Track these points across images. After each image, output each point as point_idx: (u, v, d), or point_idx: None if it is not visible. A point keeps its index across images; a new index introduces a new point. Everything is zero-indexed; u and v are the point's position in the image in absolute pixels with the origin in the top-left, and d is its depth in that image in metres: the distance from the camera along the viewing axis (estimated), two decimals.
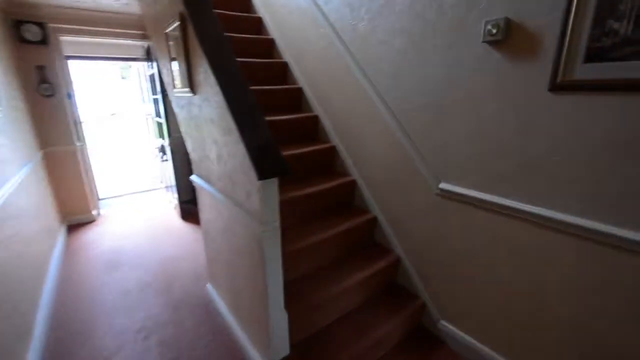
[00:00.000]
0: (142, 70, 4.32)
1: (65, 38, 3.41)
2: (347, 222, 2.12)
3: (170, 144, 3.68)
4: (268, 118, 2.34)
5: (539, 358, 1.53)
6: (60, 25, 3.25)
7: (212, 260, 2.23)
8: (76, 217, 3.71)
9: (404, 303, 2.01)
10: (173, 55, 1.87)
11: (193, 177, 2.10)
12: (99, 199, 4.33)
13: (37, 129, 3.21)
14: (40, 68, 3.16)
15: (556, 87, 1.23)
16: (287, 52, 2.82)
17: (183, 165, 3.73)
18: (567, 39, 1.16)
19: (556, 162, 1.31)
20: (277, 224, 1.38)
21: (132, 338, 2.05)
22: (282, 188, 2.10)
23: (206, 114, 1.63)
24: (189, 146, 2.08)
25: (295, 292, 1.78)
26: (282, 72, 2.85)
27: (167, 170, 4.09)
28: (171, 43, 1.84)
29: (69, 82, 3.55)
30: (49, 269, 2.58)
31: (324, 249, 2.01)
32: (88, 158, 3.87)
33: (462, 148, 1.63)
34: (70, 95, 3.51)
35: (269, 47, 2.96)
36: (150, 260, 2.97)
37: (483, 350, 1.76)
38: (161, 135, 3.95)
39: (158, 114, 3.90)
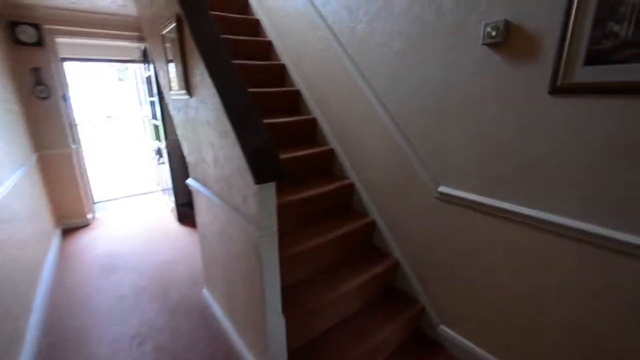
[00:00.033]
0: (139, 72, 4.29)
1: (61, 40, 3.38)
2: (345, 225, 2.10)
3: (167, 147, 3.66)
4: (266, 121, 2.32)
5: None
6: (56, 27, 3.22)
7: (208, 264, 2.20)
8: (71, 221, 3.66)
9: (403, 307, 1.99)
10: (169, 57, 1.85)
11: (189, 181, 2.07)
12: (95, 202, 4.29)
13: (32, 132, 3.17)
14: (36, 70, 3.13)
15: (556, 89, 1.22)
16: (285, 54, 2.81)
17: (180, 168, 3.70)
18: (567, 41, 1.16)
19: (556, 165, 1.30)
20: (275, 228, 1.36)
21: (127, 344, 2.02)
22: (280, 191, 2.06)
23: (202, 116, 1.60)
24: (185, 149, 2.06)
25: (293, 297, 1.76)
26: (280, 74, 2.84)
27: (163, 173, 4.06)
28: (167, 45, 1.82)
29: (64, 84, 3.52)
30: (43, 273, 2.54)
31: (322, 254, 1.99)
32: (83, 161, 3.83)
33: (462, 151, 1.62)
34: (65, 98, 3.47)
35: (266, 49, 2.95)
36: (146, 264, 2.93)
37: (482, 354, 1.75)
38: (158, 138, 3.93)
39: (154, 117, 3.87)
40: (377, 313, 1.95)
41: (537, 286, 1.45)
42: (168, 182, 3.86)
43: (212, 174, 1.70)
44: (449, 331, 1.91)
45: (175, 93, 1.91)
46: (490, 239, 1.59)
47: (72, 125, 3.59)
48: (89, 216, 3.83)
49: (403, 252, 2.10)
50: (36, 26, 3.06)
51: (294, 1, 2.53)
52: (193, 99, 1.68)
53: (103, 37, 3.54)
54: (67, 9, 3.17)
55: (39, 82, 3.15)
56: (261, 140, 1.30)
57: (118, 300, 2.44)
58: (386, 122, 1.97)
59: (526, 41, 1.28)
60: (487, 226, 1.59)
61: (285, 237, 1.93)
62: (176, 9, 1.55)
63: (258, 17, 3.07)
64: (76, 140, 3.64)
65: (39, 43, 3.11)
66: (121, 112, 14.49)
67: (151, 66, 3.41)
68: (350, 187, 2.35)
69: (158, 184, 4.84)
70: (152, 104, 3.86)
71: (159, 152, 3.96)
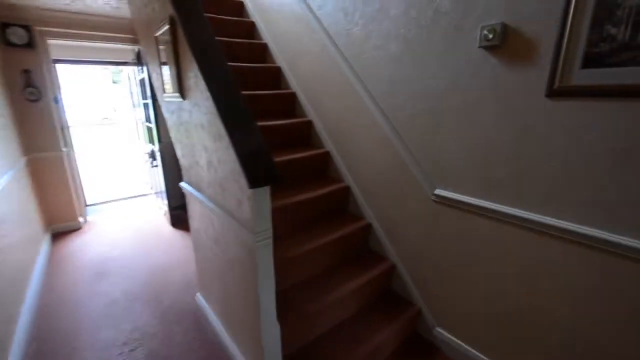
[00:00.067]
0: (133, 74, 4.24)
1: (52, 41, 3.33)
2: (341, 229, 2.08)
3: (161, 150, 3.62)
4: (261, 123, 2.31)
5: None
6: (47, 29, 3.17)
7: (202, 269, 2.16)
8: (62, 225, 3.59)
9: (399, 310, 1.98)
10: (163, 60, 1.82)
11: (183, 184, 2.04)
12: (87, 206, 4.23)
13: (22, 135, 3.11)
14: (26, 72, 3.07)
15: (553, 92, 1.22)
16: (281, 57, 2.79)
17: (173, 171, 3.66)
18: (565, 44, 1.15)
19: (553, 168, 1.29)
20: (270, 233, 1.33)
21: (119, 350, 1.97)
22: (275, 195, 2.05)
23: (196, 119, 1.58)
24: (179, 152, 2.03)
25: (288, 302, 1.73)
26: (276, 77, 2.82)
27: (157, 176, 4.01)
28: (161, 47, 1.80)
29: (56, 87, 3.46)
30: (31, 278, 2.48)
31: (318, 257, 1.97)
32: (75, 164, 3.77)
33: (458, 154, 1.61)
34: (57, 100, 3.42)
35: (262, 52, 2.93)
36: (138, 269, 2.88)
37: (478, 357, 1.73)
38: (151, 141, 3.88)
39: (148, 119, 3.83)
40: (373, 316, 1.93)
41: (535, 289, 1.44)
42: (161, 185, 3.81)
43: (205, 178, 1.67)
44: (446, 334, 1.89)
45: (168, 95, 1.88)
46: (487, 241, 1.57)
47: (64, 128, 3.54)
48: (81, 220, 3.76)
49: (399, 255, 2.08)
50: (27, 28, 3.01)
51: (290, 4, 2.52)
52: (186, 101, 1.65)
53: (96, 39, 3.50)
54: (60, 11, 3.12)
55: (29, 84, 3.10)
56: (255, 143, 1.28)
57: (109, 305, 2.38)
58: (382, 124, 1.96)
59: (523, 44, 1.28)
60: (484, 229, 1.58)
61: (281, 240, 1.90)
62: (170, 10, 1.53)
63: (253, 19, 3.06)
64: (68, 143, 3.59)
65: (30, 45, 3.05)
66: (115, 114, 14.39)
67: (145, 68, 3.37)
68: (346, 190, 2.33)
69: (151, 187, 4.77)
70: (146, 106, 3.82)
71: (152, 154, 3.92)
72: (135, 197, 4.91)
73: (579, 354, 1.35)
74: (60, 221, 3.58)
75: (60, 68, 3.81)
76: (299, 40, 2.52)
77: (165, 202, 3.80)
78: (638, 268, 1.14)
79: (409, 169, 1.86)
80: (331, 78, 2.28)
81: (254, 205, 1.24)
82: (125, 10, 3.17)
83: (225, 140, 1.29)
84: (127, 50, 3.92)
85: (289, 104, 2.70)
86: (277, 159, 2.16)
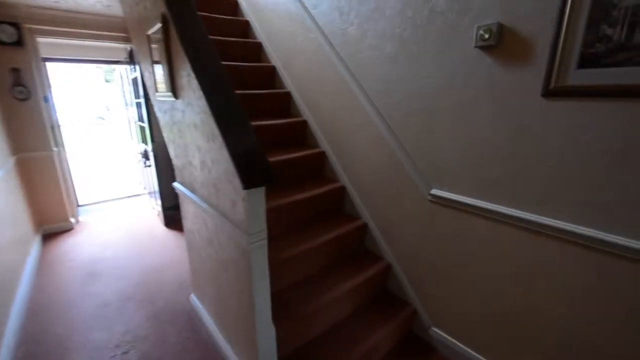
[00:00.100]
0: (125, 73, 4.19)
1: (42, 39, 3.28)
2: (336, 229, 2.07)
3: (154, 149, 3.57)
4: (256, 123, 2.28)
5: None
6: (37, 27, 3.11)
7: (196, 270, 2.13)
8: (53, 225, 3.53)
9: (395, 310, 1.97)
10: (155, 59, 1.79)
11: (176, 184, 2.01)
12: (78, 206, 4.17)
13: (10, 134, 3.05)
14: (15, 70, 3.01)
15: (549, 92, 1.21)
16: (275, 56, 2.77)
17: (166, 171, 3.61)
18: (561, 44, 1.15)
19: (549, 168, 1.29)
20: (264, 234, 1.32)
21: (111, 353, 1.94)
22: (270, 195, 2.03)
23: (189, 119, 1.55)
24: (172, 152, 2.00)
25: (283, 303, 1.72)
26: (270, 76, 2.80)
27: (150, 176, 3.96)
28: (153, 46, 1.77)
29: (46, 85, 3.40)
30: (21, 280, 2.44)
31: (313, 258, 1.95)
32: (67, 164, 3.71)
33: (454, 154, 1.61)
34: (47, 99, 3.36)
35: (256, 51, 2.91)
36: (131, 270, 2.84)
37: (474, 357, 1.73)
38: (144, 140, 3.83)
39: (141, 119, 3.78)
40: (369, 316, 1.92)
41: (531, 289, 1.44)
42: (155, 185, 3.76)
43: (199, 178, 1.65)
44: (441, 333, 1.89)
45: (161, 95, 1.85)
46: (483, 241, 1.57)
47: (55, 128, 3.47)
48: (72, 220, 3.71)
49: (395, 255, 2.07)
50: (16, 25, 2.95)
51: (285, 2, 2.50)
52: (179, 101, 1.63)
53: (87, 38, 3.44)
54: (50, 8, 3.06)
55: (18, 82, 3.04)
56: (249, 143, 1.26)
57: (101, 307, 2.35)
58: (378, 124, 1.95)
59: (519, 44, 1.27)
60: (480, 229, 1.57)
61: (275, 241, 1.89)
62: (162, 9, 1.50)
63: (248, 18, 3.03)
64: (59, 143, 3.53)
65: (19, 43, 2.99)
66: (108, 113, 14.24)
67: (137, 67, 3.33)
68: (342, 190, 2.32)
69: (145, 187, 4.72)
70: (139, 105, 3.77)
71: (145, 154, 3.87)
72: (128, 197, 4.86)
73: (576, 353, 1.35)
74: (52, 222, 3.52)
75: (51, 67, 3.75)
76: (294, 40, 2.50)
77: (159, 202, 3.76)
78: (634, 268, 1.14)
79: (405, 169, 1.85)
80: (326, 77, 2.27)
81: (248, 207, 1.22)
82: (117, 9, 3.12)
83: (219, 140, 1.26)
84: (120, 48, 3.87)
85: (284, 103, 2.68)
86: (272, 159, 2.14)
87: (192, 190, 1.78)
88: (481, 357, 1.71)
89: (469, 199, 1.58)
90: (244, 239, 1.28)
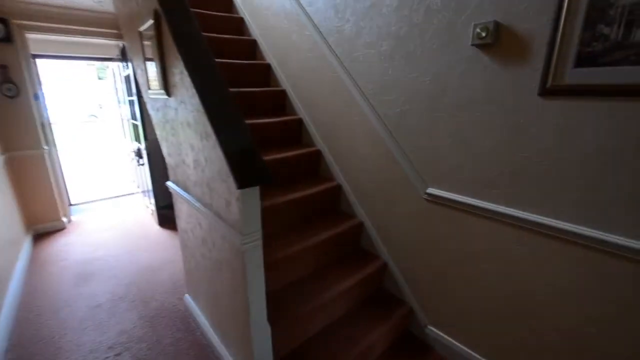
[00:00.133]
0: (118, 70, 4.13)
1: (32, 36, 3.21)
2: (332, 228, 2.06)
3: (147, 148, 3.53)
4: (250, 121, 2.26)
5: None
6: (26, 22, 3.04)
7: (190, 270, 2.11)
8: (44, 225, 3.48)
9: (391, 309, 1.97)
10: (148, 56, 1.76)
11: (169, 183, 1.98)
12: (70, 205, 4.11)
13: None
14: (3, 67, 2.94)
15: (546, 91, 1.21)
16: (270, 54, 2.74)
17: (160, 169, 3.56)
18: (557, 43, 1.14)
19: (546, 167, 1.28)
20: (259, 234, 1.30)
21: (103, 356, 1.91)
22: (265, 194, 2.01)
23: (182, 117, 1.53)
24: (165, 150, 1.97)
25: (279, 304, 1.70)
26: (265, 74, 2.77)
27: (143, 175, 3.92)
28: (145, 42, 1.73)
29: (36, 83, 3.34)
30: (10, 282, 2.39)
31: (309, 257, 1.94)
32: (58, 162, 3.65)
33: (451, 152, 1.60)
34: (37, 97, 3.30)
35: (251, 48, 2.88)
36: (124, 271, 2.80)
37: (471, 356, 1.73)
38: (137, 138, 3.79)
39: (134, 116, 3.73)
40: (365, 315, 1.92)
41: (527, 288, 1.44)
42: (148, 184, 3.72)
43: (192, 177, 1.63)
44: (438, 332, 1.89)
45: (153, 92, 1.82)
46: (479, 240, 1.57)
47: (45, 126, 3.41)
48: (64, 220, 3.65)
49: (391, 254, 2.07)
50: (4, 21, 2.88)
51: None
52: (172, 99, 1.60)
53: (79, 34, 3.37)
54: (39, 4, 3.00)
55: (6, 79, 2.97)
56: (244, 142, 1.24)
57: (94, 309, 2.31)
58: (374, 123, 1.93)
59: (516, 42, 1.27)
60: (476, 228, 1.57)
61: (271, 240, 1.87)
62: (154, 4, 1.47)
63: (242, 15, 2.99)
64: (49, 141, 3.47)
65: (7, 39, 2.93)
66: (101, 111, 14.08)
67: (130, 64, 3.28)
68: (338, 189, 2.30)
69: (138, 186, 4.67)
70: (131, 103, 3.72)
71: (138, 153, 3.82)
72: (121, 196, 4.80)
73: (572, 353, 1.35)
74: (43, 221, 3.47)
75: (41, 63, 3.68)
76: (289, 37, 2.48)
77: (153, 201, 3.72)
78: (633, 267, 1.14)
79: (401, 167, 1.84)
80: (322, 75, 2.25)
81: (242, 207, 1.20)
82: (108, 5, 3.07)
83: (212, 138, 1.24)
84: (112, 45, 3.80)
85: (279, 101, 2.66)
86: (268, 158, 2.12)
87: (186, 190, 1.76)
88: (477, 356, 1.71)
89: (465, 197, 1.57)
90: (238, 239, 1.26)
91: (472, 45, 1.38)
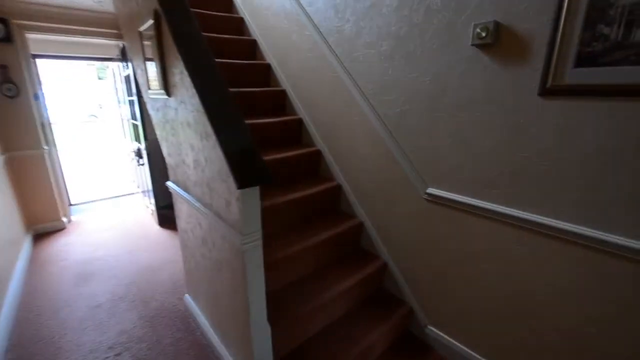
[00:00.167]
0: (118, 70, 4.13)
1: (32, 36, 3.21)
2: (332, 228, 2.06)
3: (147, 148, 3.53)
4: (251, 121, 2.26)
5: None
6: (26, 22, 3.04)
7: (190, 270, 2.11)
8: (44, 225, 3.48)
9: (391, 309, 1.97)
10: (148, 56, 1.76)
11: (169, 183, 1.98)
12: (70, 205, 4.11)
13: None
14: (3, 67, 2.94)
15: (546, 91, 1.21)
16: (270, 54, 2.74)
17: (160, 169, 3.56)
18: (558, 43, 1.14)
19: (546, 167, 1.28)
20: (259, 235, 1.30)
21: (103, 356, 1.91)
22: (265, 194, 2.01)
23: (182, 117, 1.53)
24: (165, 150, 1.97)
25: (279, 304, 1.70)
26: (265, 73, 2.77)
27: (143, 175, 3.92)
28: (145, 43, 1.73)
29: (36, 83, 3.34)
30: (10, 282, 2.39)
31: (309, 257, 1.94)
32: (58, 162, 3.65)
33: (450, 152, 1.60)
34: (37, 97, 3.30)
35: (251, 48, 2.88)
36: (124, 270, 2.80)
37: (471, 356, 1.73)
38: (137, 138, 3.79)
39: (134, 116, 3.73)
40: (365, 315, 1.92)
41: (527, 288, 1.44)
42: (148, 184, 3.72)
43: (192, 177, 1.63)
44: (438, 332, 1.89)
45: (153, 92, 1.82)
46: (479, 240, 1.57)
47: (45, 126, 3.41)
48: (64, 220, 3.65)
49: (391, 254, 2.07)
50: (4, 21, 2.88)
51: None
52: (172, 99, 1.60)
53: (79, 34, 3.37)
54: (40, 4, 3.00)
55: (6, 79, 2.97)
56: (244, 142, 1.24)
57: (94, 309, 2.31)
58: (374, 123, 1.93)
59: (516, 42, 1.27)
60: (476, 228, 1.57)
61: (271, 240, 1.87)
62: (154, 4, 1.47)
63: (242, 15, 2.99)
64: (49, 141, 3.47)
65: (8, 39, 2.93)
66: (101, 111, 14.09)
67: (130, 64, 3.28)
68: (338, 189, 2.30)
69: (138, 186, 4.67)
70: (131, 103, 3.72)
71: (138, 153, 3.82)
72: (122, 196, 4.80)
73: (572, 353, 1.35)
74: (43, 221, 3.47)
75: (42, 63, 3.68)
76: (289, 37, 2.48)
77: (153, 201, 3.72)
78: (633, 267, 1.14)
79: (401, 167, 1.84)
80: (322, 75, 2.25)
81: (242, 207, 1.20)
82: (108, 5, 3.07)
83: (212, 138, 1.24)
84: (112, 45, 3.81)
85: (279, 101, 2.66)
86: (268, 158, 2.12)
87: (186, 190, 1.76)
88: (477, 356, 1.71)
89: (465, 197, 1.57)
90: (238, 239, 1.26)
91: (472, 45, 1.38)
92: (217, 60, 2.31)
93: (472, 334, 1.72)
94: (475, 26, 1.34)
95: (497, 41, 1.31)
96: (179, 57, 1.34)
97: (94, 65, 12.76)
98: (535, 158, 1.30)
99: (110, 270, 2.80)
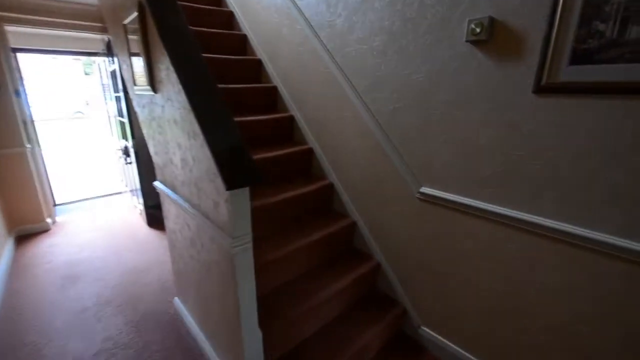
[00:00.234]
0: (104, 65, 4.01)
1: (11, 28, 3.08)
2: (324, 228, 2.02)
3: (134, 146, 3.44)
4: (240, 119, 2.21)
5: None
6: (5, 14, 2.92)
7: (179, 272, 2.06)
8: (27, 226, 3.37)
9: (385, 310, 1.95)
10: (133, 50, 1.69)
11: (156, 183, 1.92)
12: (55, 205, 4.00)
13: None
14: None
15: (541, 89, 1.19)
16: (261, 49, 2.68)
17: (149, 168, 3.47)
18: (553, 39, 1.12)
19: (540, 165, 1.27)
20: (249, 237, 1.26)
21: None
22: (255, 193, 1.97)
23: (169, 114, 1.47)
24: (152, 149, 1.91)
25: (271, 306, 1.66)
26: (256, 69, 2.71)
27: (131, 174, 3.82)
28: (130, 36, 1.67)
29: (17, 78, 3.22)
30: None
31: (301, 258, 1.90)
32: (42, 161, 3.54)
33: (444, 151, 1.58)
34: (19, 93, 3.18)
35: (241, 43, 2.81)
36: (111, 273, 2.73)
37: (465, 356, 1.72)
38: (124, 136, 3.69)
39: (121, 113, 3.63)
40: (358, 316, 1.89)
41: (520, 287, 1.43)
42: (136, 183, 3.63)
43: (180, 177, 1.57)
44: (431, 332, 1.88)
45: (139, 88, 1.76)
46: (473, 240, 1.56)
47: (28, 123, 3.30)
48: (49, 220, 3.54)
49: (384, 254, 2.05)
50: None
51: None
52: (158, 95, 1.54)
53: (62, 27, 3.25)
54: None
55: None
56: (233, 140, 1.19)
57: (79, 313, 2.24)
58: (367, 120, 1.90)
59: (511, 39, 1.24)
60: (469, 227, 1.56)
61: (262, 242, 1.83)
62: None
63: (232, 9, 2.92)
64: (32, 139, 3.35)
65: None
66: (88, 108, 13.78)
67: (116, 59, 3.18)
68: (330, 188, 2.27)
69: (126, 185, 4.57)
70: (118, 99, 3.62)
71: (126, 151, 3.73)
72: (109, 195, 4.69)
73: (564, 351, 1.35)
74: (26, 223, 3.36)
75: (24, 58, 3.55)
76: (280, 32, 2.42)
77: (141, 200, 3.63)
78: (625, 266, 1.13)
79: (394, 166, 1.82)
80: (313, 71, 2.20)
81: (231, 208, 1.16)
82: None
83: (200, 137, 1.19)
84: (97, 39, 3.69)
85: (270, 98, 2.61)
86: (258, 156, 2.07)
87: (174, 190, 1.71)
88: (471, 356, 1.70)
89: (459, 197, 1.56)
90: (228, 242, 1.21)
91: (467, 41, 1.36)
92: (205, 55, 2.25)
93: (465, 334, 1.72)
94: (470, 22, 1.32)
95: (492, 37, 1.29)
96: (165, 52, 1.29)
97: (80, 60, 12.46)
98: (528, 156, 1.29)
99: (97, 273, 2.72)
